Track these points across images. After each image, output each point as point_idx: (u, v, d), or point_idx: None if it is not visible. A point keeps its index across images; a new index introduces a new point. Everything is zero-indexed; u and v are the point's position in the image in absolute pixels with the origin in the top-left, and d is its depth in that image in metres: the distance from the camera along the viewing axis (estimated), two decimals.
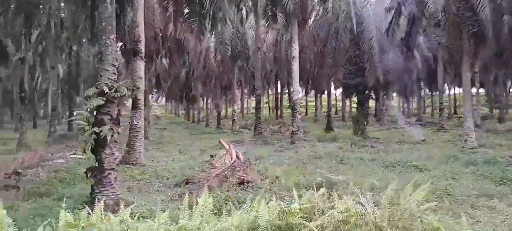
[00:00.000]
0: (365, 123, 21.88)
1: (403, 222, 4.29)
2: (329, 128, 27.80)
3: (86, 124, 6.77)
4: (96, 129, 6.69)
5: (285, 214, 4.05)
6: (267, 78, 50.88)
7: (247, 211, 4.26)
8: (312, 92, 47.61)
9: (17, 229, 3.96)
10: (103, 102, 6.81)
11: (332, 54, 21.37)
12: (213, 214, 4.53)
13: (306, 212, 4.33)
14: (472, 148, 15.72)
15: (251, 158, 13.52)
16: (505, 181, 9.59)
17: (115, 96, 6.96)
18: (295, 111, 19.58)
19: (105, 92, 6.82)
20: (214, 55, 34.25)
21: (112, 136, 6.94)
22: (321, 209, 4.36)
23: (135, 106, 12.96)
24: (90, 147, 6.85)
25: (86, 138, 6.67)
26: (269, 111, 60.50)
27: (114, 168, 7.04)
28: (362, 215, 4.13)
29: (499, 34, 14.57)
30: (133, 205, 7.01)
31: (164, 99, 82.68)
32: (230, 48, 28.23)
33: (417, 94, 35.54)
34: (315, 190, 5.09)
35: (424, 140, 19.88)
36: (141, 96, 13.04)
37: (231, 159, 12.32)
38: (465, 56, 16.11)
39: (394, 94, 52.54)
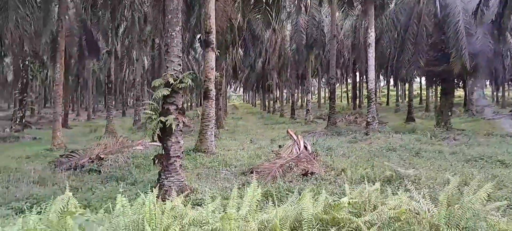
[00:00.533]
0: (450, 113, 20.37)
1: (465, 222, 3.92)
2: (410, 118, 26.35)
3: (153, 113, 7.15)
4: (162, 118, 7.05)
5: (332, 208, 3.92)
6: (345, 67, 49.61)
7: (294, 203, 4.20)
8: (395, 81, 45.34)
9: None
10: (168, 92, 7.14)
11: (414, 40, 20.07)
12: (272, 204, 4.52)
13: (356, 206, 4.16)
14: None
15: (319, 149, 13.33)
16: None
17: (180, 87, 7.25)
18: (371, 101, 18.79)
19: (171, 83, 7.13)
20: (290, 44, 34.20)
21: (177, 125, 7.26)
22: (372, 205, 4.14)
23: (206, 96, 13.40)
24: (157, 135, 7.23)
25: (153, 126, 7.04)
26: (348, 101, 58.95)
27: (179, 156, 7.37)
28: (415, 213, 3.85)
29: None
30: (195, 192, 7.42)
31: (242, 89, 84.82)
32: (305, 36, 27.92)
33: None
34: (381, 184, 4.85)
35: None
36: (212, 86, 13.43)
37: (299, 149, 12.30)
38: None
39: (488, 82, 48.17)
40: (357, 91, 44.77)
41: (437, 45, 19.89)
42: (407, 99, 37.55)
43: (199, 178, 9.56)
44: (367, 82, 21.70)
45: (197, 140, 13.18)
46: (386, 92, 57.07)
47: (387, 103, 50.92)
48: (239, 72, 55.21)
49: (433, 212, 3.91)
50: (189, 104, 56.88)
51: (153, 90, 7.26)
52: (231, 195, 4.48)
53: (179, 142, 7.33)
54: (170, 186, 7.07)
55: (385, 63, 27.84)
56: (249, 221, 3.81)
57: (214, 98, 13.54)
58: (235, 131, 23.48)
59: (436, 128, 19.42)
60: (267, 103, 53.95)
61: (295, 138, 13.51)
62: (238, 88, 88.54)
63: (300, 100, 63.48)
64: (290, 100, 40.13)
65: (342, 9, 22.30)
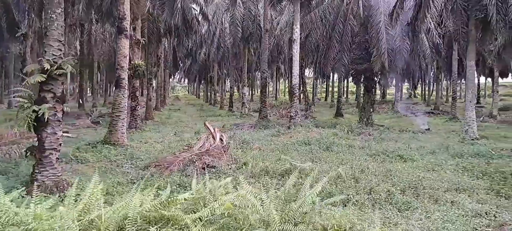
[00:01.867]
0: (371, 110, 21.16)
1: (300, 217, 3.93)
2: (338, 114, 27.14)
3: (26, 101, 6.66)
4: (35, 107, 6.58)
5: (162, 205, 3.77)
6: (287, 62, 50.19)
7: (125, 201, 4.00)
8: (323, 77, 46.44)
9: None
10: (44, 79, 6.67)
11: (340, 38, 20.62)
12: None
13: (195, 202, 4.04)
14: (472, 139, 14.89)
15: (236, 142, 13.29)
16: (484, 176, 8.98)
17: (58, 73, 6.80)
18: (294, 96, 19.07)
19: (47, 69, 6.67)
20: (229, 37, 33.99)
21: (55, 114, 6.82)
22: (211, 200, 4.05)
23: (117, 85, 12.86)
24: (33, 126, 6.74)
25: (25, 116, 6.56)
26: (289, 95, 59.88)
27: (56, 148, 6.93)
28: (242, 209, 3.80)
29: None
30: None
31: (187, 80, 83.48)
32: (241, 29, 27.83)
33: (435, 82, 33.97)
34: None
35: (428, 129, 19.09)
36: (124, 75, 12.91)
37: (214, 142, 12.18)
38: (471, 44, 15.15)
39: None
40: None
41: (362, 44, 20.57)
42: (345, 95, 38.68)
43: (97, 172, 9.13)
44: (292, 78, 21.92)
45: (106, 131, 12.62)
46: (325, 89, 58.56)
47: (326, 99, 52.25)
48: (180, 63, 54.20)
49: (264, 206, 3.88)
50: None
51: (26, 76, 6.75)
52: (69, 192, 4.21)
53: (56, 133, 6.89)
54: (43, 181, 6.64)
55: (314, 60, 28.33)
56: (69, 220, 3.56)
57: (126, 87, 13.00)
58: (165, 123, 22.92)
59: (358, 124, 20.16)
60: (209, 95, 53.48)
61: (212, 130, 13.39)
62: (183, 79, 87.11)
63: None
64: (229, 93, 39.99)
65: (271, 3, 22.41)
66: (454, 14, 15.96)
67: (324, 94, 58.20)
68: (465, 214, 6.52)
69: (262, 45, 24.25)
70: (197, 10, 26.91)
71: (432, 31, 20.12)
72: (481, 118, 25.65)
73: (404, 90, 58.77)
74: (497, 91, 28.03)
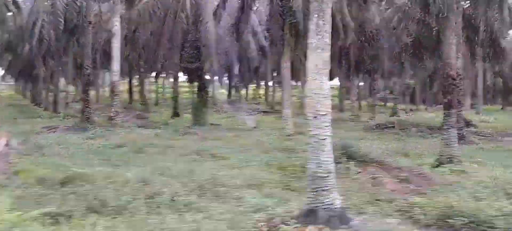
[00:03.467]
0: (205, 109, 21.12)
1: None
2: (175, 114, 26.45)
3: None
4: None
5: None
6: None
7: None
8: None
9: None
10: None
11: (170, 36, 19.95)
12: None
13: None
14: (288, 135, 15.91)
15: (32, 147, 11.46)
16: (281, 170, 9.37)
17: None
18: (115, 94, 17.71)
19: None
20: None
21: None
22: None
23: None
24: None
25: None
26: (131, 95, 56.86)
27: None
28: None
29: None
30: None
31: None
32: (63, 21, 24.83)
33: (267, 82, 36.30)
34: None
35: (255, 127, 19.93)
36: None
37: None
38: (286, 47, 16.16)
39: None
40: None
41: (194, 43, 20.34)
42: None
43: None
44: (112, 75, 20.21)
45: None
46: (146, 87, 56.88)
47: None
48: None
49: None
50: None
51: None
52: None
53: None
54: None
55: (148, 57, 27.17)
56: None
57: None
58: None
59: (192, 123, 19.90)
60: (36, 94, 47.16)
61: None
62: (8, 77, 75.54)
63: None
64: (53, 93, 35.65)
65: None
66: (272, 18, 16.78)
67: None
68: (245, 210, 6.48)
69: (85, 38, 22.07)
70: None
71: (259, 34, 21.06)
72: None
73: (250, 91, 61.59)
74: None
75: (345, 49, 22.81)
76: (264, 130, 19.33)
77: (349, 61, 23.45)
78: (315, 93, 6.18)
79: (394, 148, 13.86)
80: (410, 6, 20.96)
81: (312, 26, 6.25)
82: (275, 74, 38.49)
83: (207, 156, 11.16)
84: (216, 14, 16.51)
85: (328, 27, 6.19)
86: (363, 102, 39.17)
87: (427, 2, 18.06)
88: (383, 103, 47.18)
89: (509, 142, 18.24)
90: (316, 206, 6.02)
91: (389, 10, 22.98)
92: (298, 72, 25.35)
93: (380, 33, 24.08)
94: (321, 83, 6.16)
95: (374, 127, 20.58)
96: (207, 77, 21.19)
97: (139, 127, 17.05)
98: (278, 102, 41.65)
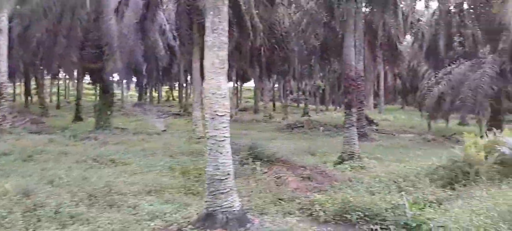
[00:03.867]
0: (109, 112, 19.83)
1: None
2: (78, 117, 24.60)
3: None
4: None
5: None
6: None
7: None
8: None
9: None
10: None
11: (67, 33, 18.34)
12: None
13: None
14: (198, 138, 15.56)
15: None
16: (184, 174, 8.99)
17: None
18: (2, 97, 15.88)
19: None
20: None
21: None
22: None
23: None
24: None
25: None
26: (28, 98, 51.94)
27: None
28: None
29: None
30: None
31: None
32: None
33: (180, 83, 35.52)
34: None
35: (165, 131, 19.23)
36: None
37: None
38: (195, 46, 15.80)
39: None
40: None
41: (96, 41, 18.99)
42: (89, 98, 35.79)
43: None
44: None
45: None
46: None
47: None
48: None
49: None
50: None
51: None
52: None
53: None
54: None
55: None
56: None
57: None
58: None
59: (95, 127, 18.59)
60: None
61: None
62: None
63: None
64: None
65: None
66: (180, 17, 16.31)
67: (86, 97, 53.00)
68: (140, 218, 6.07)
69: None
70: None
71: (167, 33, 20.34)
72: None
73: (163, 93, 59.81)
74: (235, 94, 31.13)
75: (257, 50, 23.06)
76: (174, 133, 18.73)
77: (260, 62, 23.76)
78: (212, 94, 5.95)
79: (302, 147, 14.20)
80: (317, 10, 21.89)
81: (208, 24, 6.02)
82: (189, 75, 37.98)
83: (106, 162, 10.35)
84: (118, 11, 15.50)
85: (224, 25, 5.99)
86: (278, 103, 40.16)
87: (332, 7, 19.07)
88: (296, 104, 48.88)
89: (405, 138, 19.79)
90: (214, 210, 5.80)
91: (298, 13, 23.70)
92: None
93: (290, 35, 24.75)
94: (218, 83, 5.94)
95: (285, 127, 21.04)
96: (115, 78, 19.92)
97: (32, 132, 15.42)
98: (191, 104, 41.05)
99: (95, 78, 20.14)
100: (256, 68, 27.17)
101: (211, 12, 5.93)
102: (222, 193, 5.84)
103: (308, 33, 23.57)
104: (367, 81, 42.22)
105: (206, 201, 5.98)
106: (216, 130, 5.91)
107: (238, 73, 34.49)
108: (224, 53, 5.98)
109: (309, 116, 30.32)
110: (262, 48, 22.25)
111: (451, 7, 26.98)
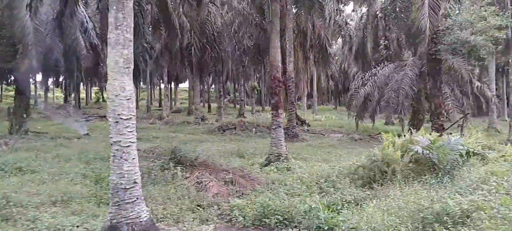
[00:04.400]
0: (25, 115, 18.24)
1: None
2: None
3: None
4: None
5: None
6: None
7: None
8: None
9: None
10: None
11: None
12: None
13: None
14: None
15: None
16: (97, 182, 8.35)
17: None
18: None
19: None
20: None
21: None
22: None
23: None
24: None
25: None
26: None
27: None
28: None
29: None
30: None
31: None
32: None
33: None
34: None
35: (87, 134, 18.06)
36: None
37: None
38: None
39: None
40: None
41: (10, 39, 17.38)
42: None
43: None
44: None
45: None
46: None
47: None
48: None
49: None
50: None
51: None
52: None
53: None
54: None
55: None
56: None
57: None
58: None
59: (8, 132, 17.01)
60: None
61: None
62: None
63: None
64: None
65: None
66: (101, 14, 15.31)
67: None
68: None
69: None
70: None
71: (89, 31, 19.11)
72: (151, 120, 26.93)
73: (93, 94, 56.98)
74: (167, 96, 30.24)
75: (188, 50, 22.45)
76: (97, 137, 17.63)
77: (191, 63, 23.17)
78: (115, 96, 5.47)
79: (231, 149, 13.93)
80: (249, 11, 21.82)
81: (111, 19, 5.54)
82: None
83: (11, 171, 9.35)
84: (31, 6, 14.17)
85: (129, 21, 5.54)
86: (215, 105, 39.64)
87: (262, 7, 19.06)
88: (232, 105, 48.70)
89: (334, 138, 20.29)
90: (119, 222, 5.34)
91: (230, 13, 23.47)
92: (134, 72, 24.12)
93: (222, 36, 24.42)
94: (122, 84, 5.48)
95: (217, 129, 20.68)
96: (31, 79, 18.32)
97: None
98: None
99: (8, 78, 18.42)
100: (187, 68, 26.53)
101: (114, 7, 5.46)
102: (128, 203, 5.39)
103: (241, 34, 23.40)
104: (301, 82, 43.23)
105: (109, 212, 5.49)
106: (121, 134, 5.45)
107: (171, 74, 33.56)
108: (129, 52, 5.53)
109: (244, 117, 30.23)
110: (193, 48, 21.71)
111: (378, 12, 28.28)
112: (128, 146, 5.48)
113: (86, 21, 18.43)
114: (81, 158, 11.15)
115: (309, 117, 31.51)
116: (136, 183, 5.51)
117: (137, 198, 5.48)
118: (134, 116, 5.58)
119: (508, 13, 17.48)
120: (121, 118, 5.44)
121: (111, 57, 5.50)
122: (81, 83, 35.01)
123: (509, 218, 4.56)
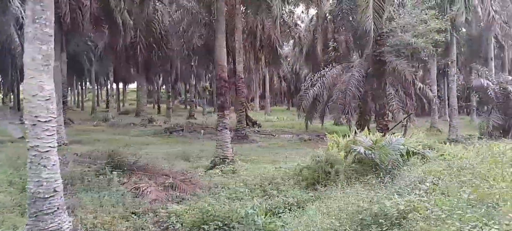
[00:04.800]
0: None
1: None
2: None
3: None
4: None
5: None
6: None
7: None
8: None
9: None
10: None
11: None
12: None
13: None
14: (59, 145, 13.78)
15: None
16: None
17: None
18: None
19: None
20: None
21: None
22: None
23: None
24: None
25: None
26: None
27: None
28: None
29: None
30: None
31: None
32: None
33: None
34: None
35: (22, 137, 16.85)
36: None
37: None
38: (56, 44, 14.00)
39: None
40: None
41: None
42: None
43: None
44: None
45: None
46: None
47: None
48: None
49: None
50: None
51: None
52: None
53: None
54: None
55: None
56: None
57: None
58: None
59: None
60: None
61: None
62: None
63: None
64: None
65: None
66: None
67: None
68: None
69: None
70: None
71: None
72: (95, 122, 25.69)
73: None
74: (113, 96, 29.07)
75: (133, 49, 21.59)
76: None
77: (137, 62, 22.36)
78: (32, 96, 4.94)
79: (176, 152, 13.49)
80: (198, 9, 21.32)
81: (28, 12, 5.02)
82: None
83: None
84: None
85: (49, 15, 5.04)
86: (165, 106, 38.64)
87: (210, 6, 18.70)
88: (183, 106, 47.70)
89: (284, 138, 20.31)
90: None
91: (179, 12, 22.86)
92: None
93: (169, 34, 23.74)
94: (40, 83, 4.96)
95: (164, 131, 20.06)
96: None
97: None
98: (69, 108, 37.44)
99: None
100: (133, 68, 25.60)
101: None
102: (47, 214, 4.90)
103: (190, 33, 22.84)
104: (253, 83, 43.24)
105: (26, 224, 4.96)
106: (39, 138, 4.94)
107: (118, 74, 32.27)
108: (48, 48, 5.03)
109: (195, 119, 29.66)
110: (139, 47, 20.92)
111: (327, 13, 28.70)
112: (47, 151, 4.98)
113: (22, 17, 17.14)
114: (10, 164, 10.26)
115: (261, 117, 31.46)
116: (56, 191, 5.02)
117: (57, 208, 4.99)
118: (54, 118, 5.08)
119: (447, 16, 18.20)
120: (39, 121, 4.93)
121: (28, 53, 4.98)
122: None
123: (441, 219, 4.55)
